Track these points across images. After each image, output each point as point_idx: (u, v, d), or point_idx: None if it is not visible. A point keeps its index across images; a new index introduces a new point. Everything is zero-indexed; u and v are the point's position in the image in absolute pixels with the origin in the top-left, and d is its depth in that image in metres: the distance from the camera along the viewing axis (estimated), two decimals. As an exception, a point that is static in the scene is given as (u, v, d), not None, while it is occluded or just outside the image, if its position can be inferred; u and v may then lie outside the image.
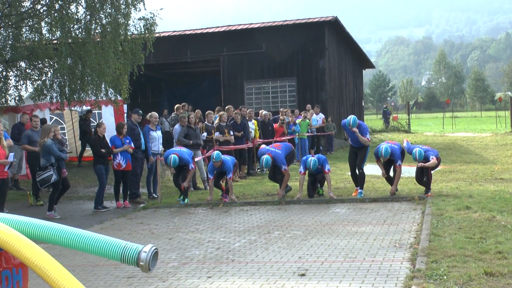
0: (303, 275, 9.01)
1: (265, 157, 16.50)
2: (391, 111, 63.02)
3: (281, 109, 28.75)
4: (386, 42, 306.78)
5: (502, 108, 62.77)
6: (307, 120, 28.76)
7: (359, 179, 16.11)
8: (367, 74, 60.89)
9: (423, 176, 16.13)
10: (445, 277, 8.09)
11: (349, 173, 17.47)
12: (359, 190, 16.00)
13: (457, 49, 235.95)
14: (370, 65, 49.50)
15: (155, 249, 5.35)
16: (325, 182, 16.60)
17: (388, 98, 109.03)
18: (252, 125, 23.40)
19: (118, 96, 23.19)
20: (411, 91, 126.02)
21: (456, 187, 17.26)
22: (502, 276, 7.99)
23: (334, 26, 35.22)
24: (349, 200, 15.68)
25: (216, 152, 16.94)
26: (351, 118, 15.99)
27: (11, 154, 15.55)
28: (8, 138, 16.77)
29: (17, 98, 21.90)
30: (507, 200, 14.55)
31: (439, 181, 18.79)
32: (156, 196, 18.59)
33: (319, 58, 33.75)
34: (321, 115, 30.39)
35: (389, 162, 16.37)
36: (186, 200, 17.18)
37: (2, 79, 21.80)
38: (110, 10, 21.38)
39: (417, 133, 48.63)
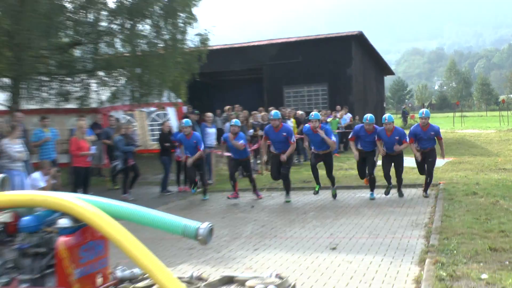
0: (334, 248, 9.11)
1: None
2: (408, 111, 62.83)
3: (314, 110, 28.71)
4: (404, 53, 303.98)
5: (505, 109, 62.58)
6: (337, 119, 28.89)
7: (370, 183, 14.65)
8: (388, 80, 60.26)
9: (424, 170, 14.47)
10: (455, 251, 8.12)
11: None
12: (370, 193, 14.65)
13: (465, 58, 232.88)
14: (390, 72, 49.16)
15: (210, 226, 5.54)
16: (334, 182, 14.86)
17: (406, 100, 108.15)
18: (291, 122, 23.45)
19: (178, 99, 23.41)
20: (425, 94, 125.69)
21: (465, 176, 17.18)
22: (504, 251, 8.02)
23: (359, 39, 35.19)
24: (381, 186, 15.39)
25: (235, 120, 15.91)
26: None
27: (93, 147, 15.91)
28: (91, 134, 17.11)
29: (97, 102, 22.29)
30: (509, 187, 14.53)
31: (450, 171, 18.72)
32: (211, 182, 18.74)
33: (347, 66, 33.76)
34: (349, 115, 30.37)
35: (390, 159, 14.43)
36: (194, 190, 16.23)
37: (85, 86, 22.19)
38: (170, 28, 21.60)
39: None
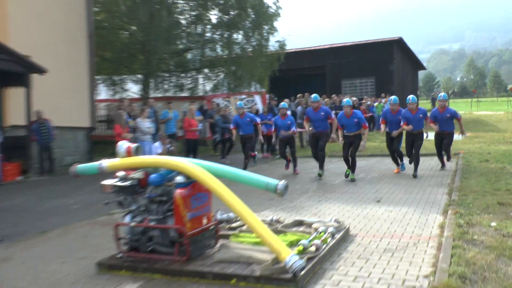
0: (378, 201, 8.99)
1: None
2: (436, 97, 61.08)
3: (365, 97, 28.41)
4: (433, 53, 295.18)
5: (512, 95, 60.63)
6: (382, 103, 28.37)
7: (399, 157, 12.39)
8: (421, 74, 58.75)
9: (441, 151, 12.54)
10: (470, 205, 7.93)
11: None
12: (401, 163, 12.45)
13: (481, 56, 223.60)
14: (422, 68, 47.92)
15: (286, 183, 5.56)
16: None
17: (434, 89, 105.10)
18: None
19: (262, 89, 23.61)
20: (449, 84, 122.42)
21: (479, 147, 16.60)
22: (509, 205, 7.79)
23: (399, 43, 34.60)
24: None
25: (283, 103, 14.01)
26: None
27: (200, 124, 16.21)
28: (198, 115, 17.40)
29: (203, 91, 22.73)
30: (514, 156, 14.08)
31: (467, 143, 18.11)
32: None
33: (390, 63, 33.29)
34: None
35: (412, 138, 11.91)
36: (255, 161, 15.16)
37: (195, 80, 22.63)
38: (257, 37, 21.73)
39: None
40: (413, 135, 11.86)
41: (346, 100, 11.97)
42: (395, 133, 11.96)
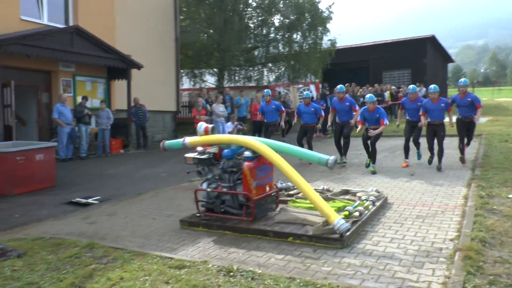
0: (412, 175, 8.69)
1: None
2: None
3: (402, 86, 27.54)
4: (461, 48, 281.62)
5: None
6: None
7: (416, 146, 10.06)
8: (450, 66, 56.27)
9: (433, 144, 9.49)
10: (491, 179, 7.56)
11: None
12: (416, 151, 10.17)
13: (503, 51, 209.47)
14: (451, 61, 45.47)
15: (335, 158, 5.43)
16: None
17: (461, 79, 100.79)
18: (386, 94, 22.48)
19: (316, 80, 23.34)
20: (474, 75, 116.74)
21: (499, 129, 15.67)
22: (526, 180, 7.38)
23: (432, 40, 33.27)
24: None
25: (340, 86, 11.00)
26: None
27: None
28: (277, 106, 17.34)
29: (267, 82, 22.71)
30: (531, 137, 13.21)
31: (489, 126, 17.15)
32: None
33: (423, 57, 32.07)
34: (424, 89, 28.72)
35: (433, 129, 9.42)
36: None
37: (260, 72, 22.62)
38: (313, 36, 21.46)
39: (478, 98, 45.01)
40: (435, 126, 9.36)
41: (369, 96, 9.76)
42: (420, 124, 9.55)
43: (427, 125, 9.51)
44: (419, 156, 10.23)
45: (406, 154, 10.00)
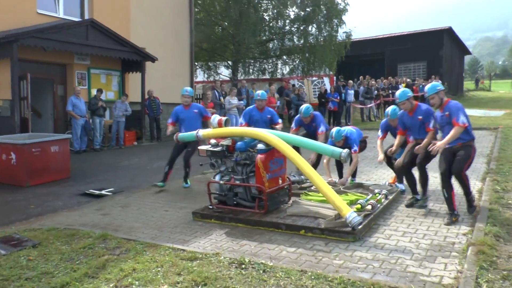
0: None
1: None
2: (480, 79, 57.47)
3: (417, 78, 27.29)
4: (479, 40, 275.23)
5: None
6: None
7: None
8: (467, 58, 55.30)
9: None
10: (506, 173, 7.48)
11: None
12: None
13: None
14: (468, 53, 44.59)
15: (348, 151, 5.43)
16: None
17: (478, 71, 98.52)
18: (401, 86, 22.27)
19: (331, 72, 23.22)
20: (492, 67, 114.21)
21: (517, 122, 15.48)
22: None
23: (448, 32, 32.76)
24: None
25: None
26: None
27: (278, 102, 16.16)
28: (277, 94, 17.30)
29: (281, 74, 22.69)
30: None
31: (506, 119, 16.88)
32: (349, 124, 18.34)
33: (439, 49, 31.68)
34: (440, 82, 28.41)
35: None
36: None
37: (275, 65, 22.60)
38: (328, 29, 21.32)
39: (494, 91, 44.31)
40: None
41: (305, 108, 7.50)
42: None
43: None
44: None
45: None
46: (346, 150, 5.43)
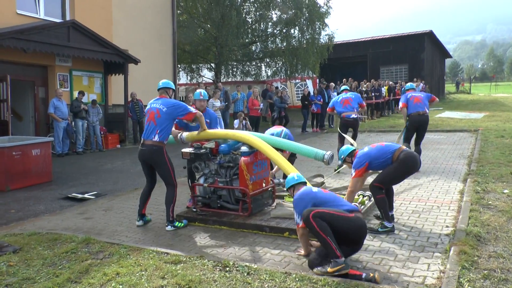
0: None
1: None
2: (460, 81, 58.50)
3: (399, 80, 27.57)
4: (459, 43, 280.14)
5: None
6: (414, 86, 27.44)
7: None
8: (447, 61, 56.31)
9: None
10: (487, 174, 7.57)
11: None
12: None
13: (500, 46, 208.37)
14: (449, 56, 45.41)
15: (332, 153, 5.45)
16: None
17: (459, 74, 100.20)
18: (384, 88, 22.52)
19: (314, 75, 23.32)
20: (472, 70, 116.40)
21: (496, 125, 15.65)
22: (522, 175, 7.40)
23: (429, 35, 33.24)
24: (440, 130, 14.57)
25: None
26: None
27: (261, 104, 16.10)
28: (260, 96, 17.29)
29: (264, 77, 22.70)
30: (528, 133, 13.19)
31: (486, 121, 17.17)
32: (332, 126, 18.44)
33: (421, 52, 32.10)
34: (422, 84, 28.75)
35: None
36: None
37: (258, 67, 22.58)
38: (310, 31, 21.43)
39: (474, 94, 45.06)
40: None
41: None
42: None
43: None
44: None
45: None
46: (329, 153, 5.46)
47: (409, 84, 9.40)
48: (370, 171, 5.32)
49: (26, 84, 13.42)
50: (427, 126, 8.74)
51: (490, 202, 5.87)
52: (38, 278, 3.90)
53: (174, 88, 5.79)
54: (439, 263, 4.02)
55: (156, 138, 5.28)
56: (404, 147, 5.17)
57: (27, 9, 12.56)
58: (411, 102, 8.62)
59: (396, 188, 7.17)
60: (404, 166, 4.94)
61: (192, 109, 5.50)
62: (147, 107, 5.56)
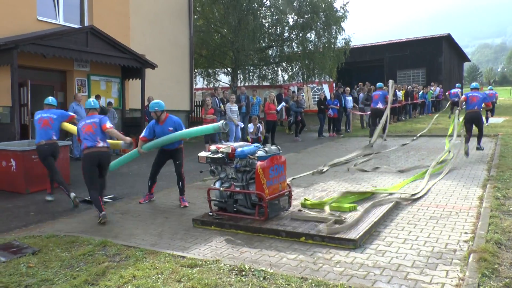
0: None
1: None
2: (479, 86, 57.57)
3: (415, 85, 27.35)
4: (478, 47, 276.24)
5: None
6: (431, 91, 27.13)
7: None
8: (466, 65, 55.48)
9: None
10: (507, 180, 7.46)
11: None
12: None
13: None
14: (467, 60, 44.75)
15: (224, 122, 6.51)
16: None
17: (477, 78, 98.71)
18: (400, 92, 22.32)
19: (330, 79, 23.27)
20: (491, 74, 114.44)
21: (517, 129, 15.48)
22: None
23: (447, 39, 32.86)
24: (458, 135, 14.37)
25: None
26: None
27: (278, 108, 16.14)
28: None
29: (281, 81, 22.74)
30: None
31: (506, 126, 16.91)
32: (349, 130, 18.36)
33: (439, 56, 31.77)
34: (439, 89, 28.38)
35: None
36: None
37: (274, 72, 22.67)
38: (327, 35, 21.40)
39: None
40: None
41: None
42: None
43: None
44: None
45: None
46: (222, 121, 6.48)
47: (474, 83, 11.43)
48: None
49: (45, 89, 13.64)
50: (479, 120, 10.65)
51: (511, 209, 5.77)
52: (56, 280, 3.96)
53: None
54: (458, 270, 3.96)
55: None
56: None
57: (47, 15, 12.80)
58: (469, 100, 10.66)
59: (416, 192, 7.11)
60: None
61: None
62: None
